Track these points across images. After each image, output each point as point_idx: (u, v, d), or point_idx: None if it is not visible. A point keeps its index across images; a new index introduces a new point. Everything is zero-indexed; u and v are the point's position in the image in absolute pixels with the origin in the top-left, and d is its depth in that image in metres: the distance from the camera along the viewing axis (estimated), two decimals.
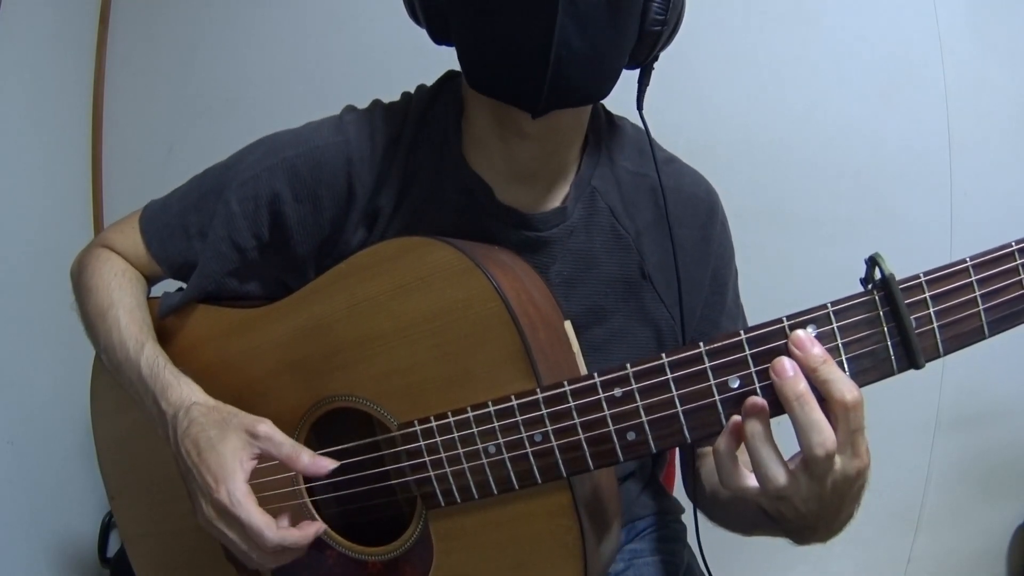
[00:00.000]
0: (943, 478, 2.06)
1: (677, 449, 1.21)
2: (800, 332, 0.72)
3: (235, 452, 0.90)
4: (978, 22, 1.96)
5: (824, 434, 0.70)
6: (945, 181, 1.99)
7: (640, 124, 1.08)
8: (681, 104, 1.95)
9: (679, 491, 1.27)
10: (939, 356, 0.72)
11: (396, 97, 1.11)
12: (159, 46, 2.31)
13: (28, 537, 1.94)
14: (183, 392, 0.97)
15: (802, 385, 0.71)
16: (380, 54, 2.13)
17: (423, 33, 0.99)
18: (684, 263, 1.08)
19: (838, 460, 0.72)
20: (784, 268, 1.99)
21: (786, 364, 0.72)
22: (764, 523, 0.90)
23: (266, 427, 0.92)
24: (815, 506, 0.76)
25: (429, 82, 1.11)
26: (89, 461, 2.09)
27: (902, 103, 1.99)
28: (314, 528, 0.92)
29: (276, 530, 0.88)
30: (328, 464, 0.91)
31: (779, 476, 0.72)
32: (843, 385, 0.70)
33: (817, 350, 0.71)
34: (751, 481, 0.76)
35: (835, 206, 2.03)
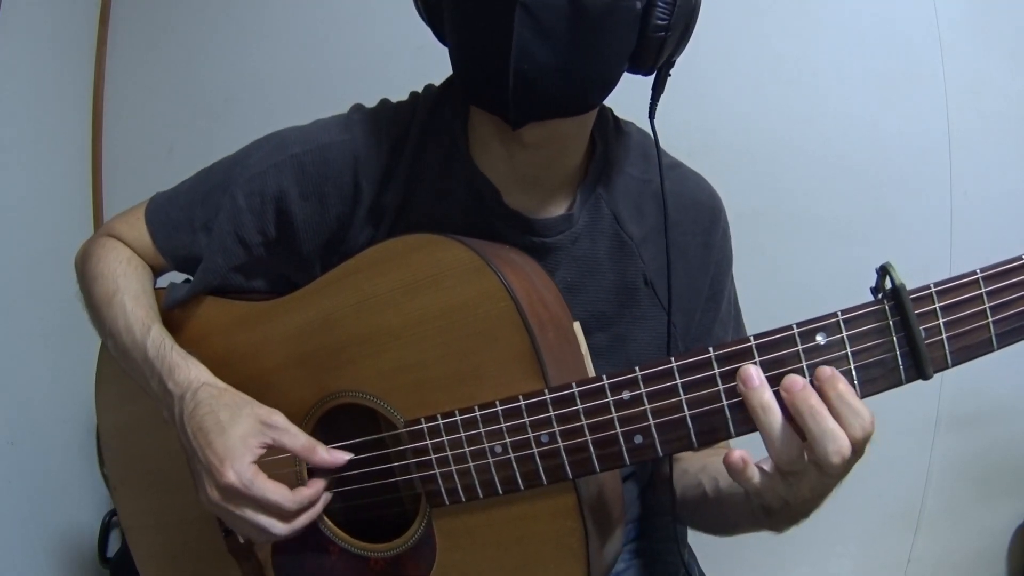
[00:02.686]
0: (943, 478, 2.06)
1: None
2: (826, 368, 0.72)
3: (244, 437, 0.90)
4: (978, 22, 1.96)
5: (839, 441, 0.71)
6: (945, 181, 1.99)
7: (646, 129, 1.08)
8: (681, 104, 1.94)
9: None
10: (947, 367, 0.72)
11: (401, 96, 1.12)
12: (159, 46, 2.31)
13: (28, 537, 1.94)
14: (191, 373, 0.98)
15: (814, 399, 0.72)
16: (381, 54, 2.13)
17: (424, 32, 0.99)
18: (686, 269, 1.08)
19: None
20: (784, 268, 2.00)
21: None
22: (751, 519, 0.90)
23: (280, 418, 0.93)
24: (819, 492, 0.78)
25: (430, 81, 1.11)
26: (89, 461, 2.11)
27: (902, 103, 1.98)
28: (317, 486, 0.93)
29: (293, 496, 0.89)
30: (344, 456, 0.92)
31: (793, 451, 0.73)
32: (860, 412, 0.72)
33: (843, 386, 0.72)
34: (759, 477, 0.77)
35: (835, 206, 2.02)
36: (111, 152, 2.32)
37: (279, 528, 0.90)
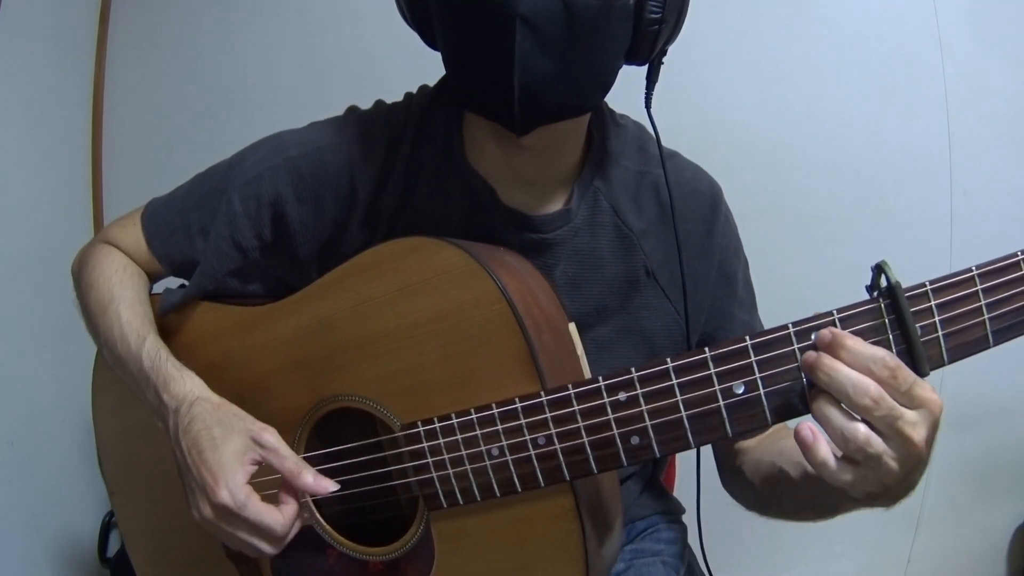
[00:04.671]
0: (943, 478, 2.05)
1: (711, 448, 1.19)
2: (824, 332, 0.71)
3: (237, 454, 0.89)
4: (978, 22, 1.96)
5: (860, 385, 0.69)
6: (945, 181, 1.99)
7: (641, 121, 1.09)
8: (682, 104, 1.95)
9: (679, 491, 1.28)
10: (943, 364, 0.72)
11: (397, 97, 1.11)
12: (159, 46, 2.31)
13: (28, 537, 1.94)
14: (186, 385, 0.97)
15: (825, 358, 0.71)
16: (380, 54, 2.13)
17: None
18: (688, 257, 1.08)
19: (908, 414, 0.70)
20: (784, 268, 1.99)
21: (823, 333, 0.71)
22: (846, 498, 0.81)
23: (271, 437, 0.92)
24: (904, 458, 0.72)
25: (430, 82, 1.10)
26: (89, 461, 2.11)
27: (902, 103, 1.99)
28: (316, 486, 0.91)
29: (284, 520, 0.88)
30: (330, 485, 0.91)
31: (858, 432, 0.70)
32: (868, 354, 0.69)
33: (849, 340, 0.70)
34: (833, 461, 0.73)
35: (835, 206, 2.03)
36: (111, 152, 2.32)
37: (269, 549, 0.90)
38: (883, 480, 0.73)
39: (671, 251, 1.07)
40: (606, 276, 1.07)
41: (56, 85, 2.18)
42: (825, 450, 0.72)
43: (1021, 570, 2.06)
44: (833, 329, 0.71)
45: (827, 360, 0.70)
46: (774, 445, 1.07)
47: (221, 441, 0.90)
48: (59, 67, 2.19)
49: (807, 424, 0.73)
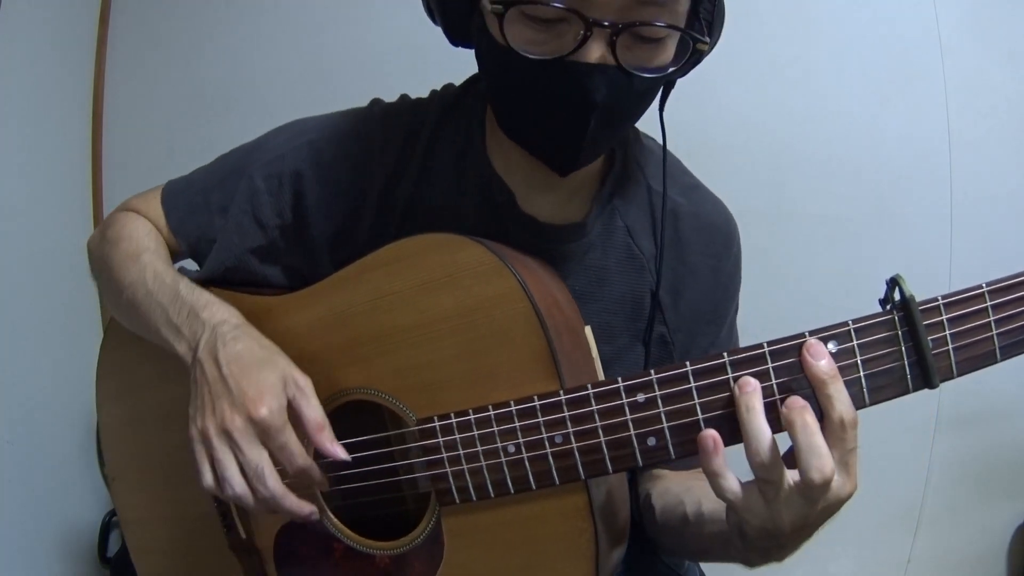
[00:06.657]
0: (943, 478, 2.06)
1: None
2: (814, 340, 0.74)
3: (279, 381, 0.89)
4: (978, 22, 1.97)
5: (851, 416, 0.72)
6: (945, 181, 1.99)
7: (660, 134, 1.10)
8: (681, 104, 1.95)
9: None
10: (952, 377, 0.73)
11: (396, 97, 1.12)
12: (159, 46, 2.31)
13: (28, 536, 1.94)
14: (230, 310, 0.98)
15: (809, 416, 0.72)
16: (381, 54, 2.13)
17: (424, 33, 1.00)
18: (694, 289, 1.09)
19: (834, 482, 0.72)
20: (784, 268, 2.00)
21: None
22: (725, 545, 0.88)
23: (307, 382, 0.91)
24: (800, 525, 0.76)
25: (429, 81, 1.11)
26: (89, 460, 2.10)
27: (902, 103, 1.99)
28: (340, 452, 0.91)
29: (307, 456, 0.89)
30: (341, 453, 0.90)
31: (768, 451, 0.73)
32: (844, 403, 0.72)
33: (825, 363, 0.72)
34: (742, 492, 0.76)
35: (835, 206, 2.03)
36: (111, 152, 2.32)
37: (267, 487, 0.87)
38: (781, 519, 0.75)
39: (679, 279, 1.08)
40: (612, 295, 1.07)
41: (56, 85, 2.18)
42: (722, 461, 0.75)
43: (1021, 570, 2.06)
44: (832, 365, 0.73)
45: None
46: (685, 482, 1.09)
47: (266, 363, 0.91)
48: (59, 67, 2.19)
49: (711, 432, 0.75)
